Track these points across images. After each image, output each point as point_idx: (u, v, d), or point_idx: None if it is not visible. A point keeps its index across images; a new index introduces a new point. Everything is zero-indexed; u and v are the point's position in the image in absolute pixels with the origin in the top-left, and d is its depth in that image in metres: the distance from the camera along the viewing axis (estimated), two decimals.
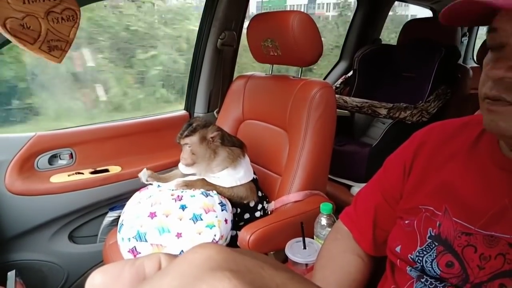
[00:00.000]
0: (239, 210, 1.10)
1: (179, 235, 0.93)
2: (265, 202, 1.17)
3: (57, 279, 1.26)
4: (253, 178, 1.15)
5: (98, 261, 1.29)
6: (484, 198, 0.48)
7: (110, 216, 1.31)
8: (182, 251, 0.93)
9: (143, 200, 1.01)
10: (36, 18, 0.72)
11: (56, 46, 0.76)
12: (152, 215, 0.95)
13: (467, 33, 2.82)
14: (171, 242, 0.93)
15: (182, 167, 1.11)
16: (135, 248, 0.93)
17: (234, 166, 1.08)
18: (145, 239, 0.93)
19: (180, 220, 0.94)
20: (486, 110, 0.44)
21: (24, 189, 1.13)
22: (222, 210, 1.00)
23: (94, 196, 1.24)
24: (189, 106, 1.57)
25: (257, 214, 1.13)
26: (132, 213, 0.99)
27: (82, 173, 1.23)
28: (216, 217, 0.97)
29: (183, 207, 0.96)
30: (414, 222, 0.54)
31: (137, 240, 0.93)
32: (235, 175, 1.08)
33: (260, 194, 1.16)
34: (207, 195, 1.01)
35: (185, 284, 0.14)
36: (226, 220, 1.00)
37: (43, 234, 1.21)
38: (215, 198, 1.01)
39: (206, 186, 1.05)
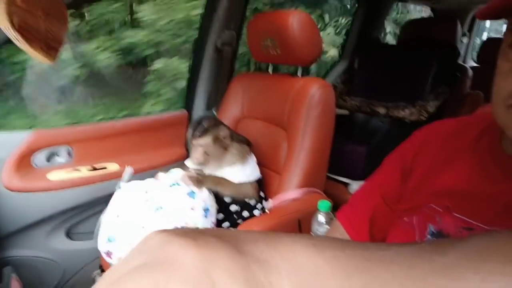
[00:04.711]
0: (239, 208, 1.10)
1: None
2: (264, 201, 1.17)
3: (54, 275, 1.26)
4: (258, 177, 1.15)
5: (95, 257, 1.29)
6: (487, 196, 0.47)
7: None
8: None
9: (111, 204, 1.02)
10: (34, 16, 0.71)
11: (54, 47, 0.76)
12: (120, 216, 0.96)
13: (467, 33, 2.82)
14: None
15: (190, 164, 1.09)
16: (109, 251, 0.96)
17: (243, 163, 1.08)
18: (114, 240, 0.94)
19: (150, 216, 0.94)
20: None
21: (21, 186, 1.13)
22: (205, 216, 0.99)
23: (92, 193, 1.24)
24: (189, 104, 1.57)
25: (256, 212, 1.13)
26: (104, 218, 1.00)
27: (80, 171, 1.23)
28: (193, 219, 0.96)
29: (157, 209, 0.95)
30: (413, 219, 0.53)
31: (108, 242, 0.95)
32: (244, 172, 1.09)
33: (262, 194, 1.16)
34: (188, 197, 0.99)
35: (138, 245, 0.20)
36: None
37: (40, 230, 1.20)
38: (197, 201, 0.99)
39: (218, 185, 1.04)
